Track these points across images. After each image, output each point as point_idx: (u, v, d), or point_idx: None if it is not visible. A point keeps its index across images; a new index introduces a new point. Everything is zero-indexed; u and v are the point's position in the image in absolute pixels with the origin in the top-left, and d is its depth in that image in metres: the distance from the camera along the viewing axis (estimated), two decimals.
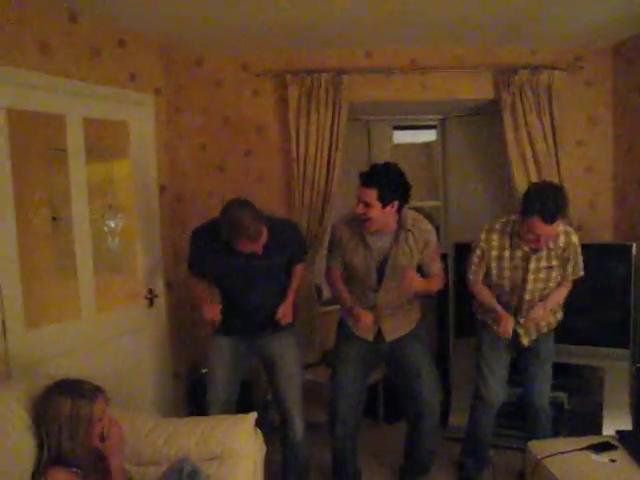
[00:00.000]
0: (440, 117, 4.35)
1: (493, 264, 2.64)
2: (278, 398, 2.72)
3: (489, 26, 3.22)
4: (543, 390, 2.81)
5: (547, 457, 2.25)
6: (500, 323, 2.63)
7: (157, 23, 3.04)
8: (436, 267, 2.69)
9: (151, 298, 3.27)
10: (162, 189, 3.39)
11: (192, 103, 3.68)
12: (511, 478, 2.98)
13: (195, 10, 2.85)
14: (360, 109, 3.89)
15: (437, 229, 4.47)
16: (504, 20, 3.11)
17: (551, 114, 3.50)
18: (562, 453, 2.25)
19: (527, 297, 2.64)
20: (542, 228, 2.38)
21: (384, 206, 2.46)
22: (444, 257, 3.48)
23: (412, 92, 3.70)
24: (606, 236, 3.72)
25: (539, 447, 2.37)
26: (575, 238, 2.59)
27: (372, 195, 2.44)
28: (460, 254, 3.43)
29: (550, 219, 2.35)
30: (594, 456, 2.23)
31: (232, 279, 2.59)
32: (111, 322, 3.04)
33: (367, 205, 2.46)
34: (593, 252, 3.26)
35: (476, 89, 3.67)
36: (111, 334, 3.01)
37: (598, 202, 3.73)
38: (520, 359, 2.84)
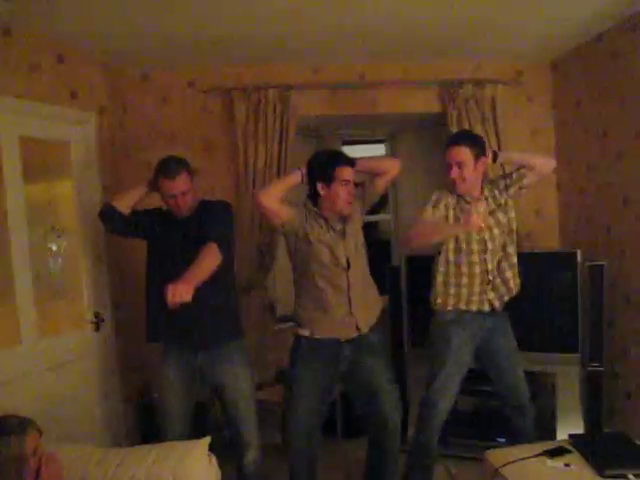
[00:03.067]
0: (389, 131, 4.39)
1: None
2: (233, 427, 2.60)
3: (435, 41, 3.29)
4: (523, 383, 2.75)
5: (504, 466, 2.25)
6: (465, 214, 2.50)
7: (98, 39, 2.97)
8: None
9: (97, 322, 3.14)
10: None
11: (138, 120, 3.60)
12: None
13: (138, 26, 2.81)
14: (308, 124, 3.89)
15: (388, 242, 4.51)
16: (449, 33, 3.18)
17: (496, 127, 3.60)
18: (518, 461, 2.26)
19: (490, 246, 2.64)
20: (449, 152, 2.59)
21: None
22: (397, 270, 3.51)
23: (361, 107, 3.73)
24: (552, 243, 3.83)
25: (496, 456, 2.37)
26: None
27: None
28: (412, 268, 3.46)
29: (453, 140, 2.64)
30: (549, 461, 2.25)
31: (170, 245, 2.50)
32: (55, 349, 2.89)
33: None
34: (540, 260, 3.35)
35: (423, 103, 3.73)
36: (55, 361, 2.86)
37: (544, 211, 3.83)
38: (487, 362, 2.77)
